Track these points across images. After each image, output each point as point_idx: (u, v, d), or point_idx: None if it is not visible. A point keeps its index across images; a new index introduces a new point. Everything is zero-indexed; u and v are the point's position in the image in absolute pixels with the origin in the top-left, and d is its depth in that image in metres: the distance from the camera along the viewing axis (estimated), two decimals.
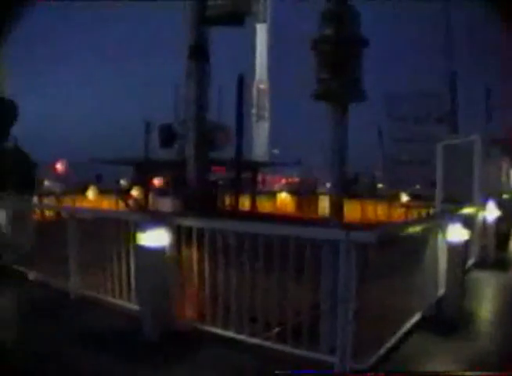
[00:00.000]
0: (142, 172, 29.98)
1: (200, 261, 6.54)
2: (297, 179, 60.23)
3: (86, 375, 5.42)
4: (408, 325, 6.76)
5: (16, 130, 24.01)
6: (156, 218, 6.38)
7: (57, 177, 39.62)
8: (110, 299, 7.68)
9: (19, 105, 24.18)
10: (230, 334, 6.23)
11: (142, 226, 6.28)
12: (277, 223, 6.99)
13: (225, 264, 6.34)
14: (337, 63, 6.21)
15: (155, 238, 6.22)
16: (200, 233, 6.47)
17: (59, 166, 40.29)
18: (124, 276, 7.39)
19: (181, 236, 6.60)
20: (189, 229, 6.56)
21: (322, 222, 7.96)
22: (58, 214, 13.74)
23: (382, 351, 5.74)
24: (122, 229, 7.24)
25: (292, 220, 21.91)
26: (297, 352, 5.64)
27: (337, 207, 6.58)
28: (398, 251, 6.91)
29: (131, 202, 27.76)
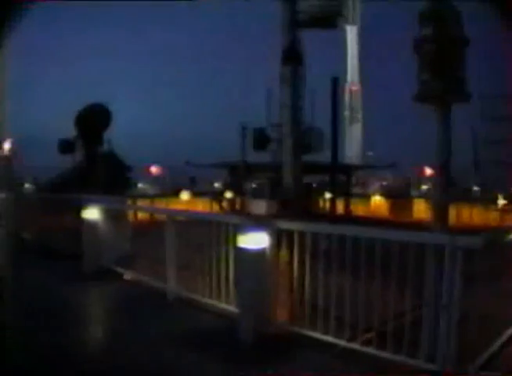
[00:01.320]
0: (237, 175, 30.17)
1: (299, 264, 6.48)
2: (391, 182, 59.25)
3: (184, 374, 5.46)
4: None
5: (110, 134, 24.78)
6: (258, 221, 6.38)
7: (151, 180, 40.52)
8: (207, 300, 7.70)
9: (113, 109, 24.95)
10: (328, 338, 6.13)
11: (243, 229, 6.30)
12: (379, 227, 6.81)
13: (324, 268, 6.26)
14: (439, 63, 6.04)
15: (256, 240, 6.22)
16: (299, 235, 6.41)
17: (154, 169, 41.15)
18: (222, 278, 7.42)
19: (280, 238, 6.57)
20: (287, 232, 6.51)
21: (424, 226, 7.75)
22: (152, 216, 14.05)
23: (481, 359, 5.52)
24: (221, 232, 7.28)
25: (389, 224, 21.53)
26: (397, 358, 5.49)
27: (441, 212, 6.38)
28: (498, 257, 6.63)
29: (225, 204, 28.05)
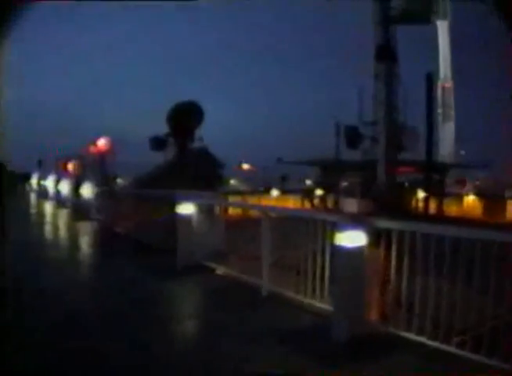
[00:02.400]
0: (329, 173, 30.08)
1: (396, 263, 6.37)
2: (484, 182, 57.61)
3: (273, 373, 5.45)
4: None
5: (203, 132, 25.16)
6: (355, 219, 6.31)
7: (243, 177, 40.92)
8: (301, 298, 7.64)
9: (206, 107, 25.34)
10: (422, 339, 5.99)
11: (341, 227, 6.24)
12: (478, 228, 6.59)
13: (422, 269, 6.12)
14: None
15: (353, 239, 6.15)
16: (396, 234, 6.29)
17: (246, 166, 41.51)
18: (317, 276, 7.37)
19: (377, 237, 6.47)
20: (384, 230, 6.41)
21: None
22: (243, 212, 14.11)
23: None
24: (317, 229, 7.24)
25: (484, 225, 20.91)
26: (492, 362, 5.30)
27: None
28: None
29: (316, 202, 28.00)
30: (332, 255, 6.88)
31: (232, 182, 37.30)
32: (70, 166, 30.49)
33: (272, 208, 11.79)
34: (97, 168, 25.00)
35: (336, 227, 6.37)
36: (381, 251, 6.46)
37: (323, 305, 7.18)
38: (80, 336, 6.33)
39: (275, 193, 30.61)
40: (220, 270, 9.96)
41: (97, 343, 6.10)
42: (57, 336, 6.36)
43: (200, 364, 5.52)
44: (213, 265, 10.18)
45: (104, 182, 23.64)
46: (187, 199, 10.67)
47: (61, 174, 32.54)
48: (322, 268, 7.23)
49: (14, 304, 7.45)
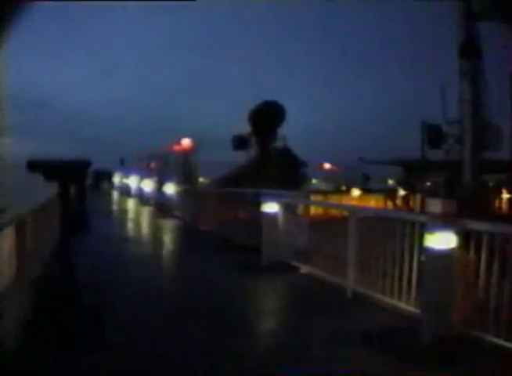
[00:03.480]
0: (413, 173, 29.62)
1: (485, 266, 6.25)
2: None
3: (356, 373, 5.43)
4: None
5: (285, 131, 25.25)
6: (446, 221, 6.24)
7: (325, 176, 40.81)
8: (386, 299, 7.56)
9: (287, 107, 25.42)
10: (509, 345, 5.86)
11: (431, 228, 6.18)
12: None
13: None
14: None
15: (443, 240, 6.07)
16: (486, 237, 6.18)
17: (327, 165, 41.35)
18: (404, 277, 7.30)
19: (466, 239, 6.37)
20: (474, 232, 6.30)
21: None
22: (325, 211, 14.09)
23: None
24: (405, 230, 7.18)
25: None
26: None
27: None
28: None
29: (398, 202, 27.65)
30: (421, 257, 6.81)
31: (314, 181, 37.26)
32: (153, 165, 31.12)
33: (360, 208, 11.73)
34: (180, 167, 25.47)
35: (425, 228, 6.31)
36: (470, 254, 6.37)
37: (409, 307, 7.12)
38: (165, 331, 6.53)
39: (356, 192, 30.38)
40: (304, 269, 9.99)
41: (177, 338, 6.29)
42: (144, 329, 6.61)
43: (283, 362, 5.57)
44: (297, 263, 10.21)
45: (187, 180, 24.07)
46: (272, 198, 10.76)
47: (143, 172, 33.25)
48: (410, 269, 7.16)
49: (102, 299, 7.68)
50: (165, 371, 5.30)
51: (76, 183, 7.69)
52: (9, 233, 6.00)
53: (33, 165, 7.19)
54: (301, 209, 11.30)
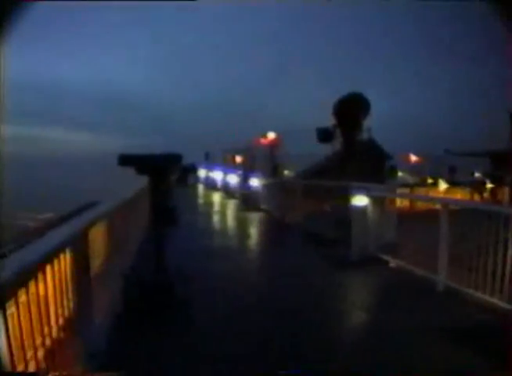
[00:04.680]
0: (502, 165, 28.74)
1: None
2: None
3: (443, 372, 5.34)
4: None
5: (369, 122, 25.04)
6: None
7: (410, 168, 40.17)
8: (478, 294, 7.38)
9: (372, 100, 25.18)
10: None
11: None
12: None
13: None
14: None
15: None
16: None
17: (413, 157, 40.67)
18: (498, 272, 7.15)
19: None
20: None
21: None
22: (411, 204, 13.93)
23: None
24: (499, 223, 7.04)
25: None
26: None
27: None
28: None
29: (486, 194, 26.95)
30: None
31: (400, 173, 36.68)
32: (238, 158, 31.43)
33: (452, 200, 11.53)
34: (266, 160, 25.64)
35: None
36: None
37: (502, 303, 6.99)
38: (256, 324, 6.65)
39: (443, 185, 29.78)
40: (393, 263, 9.95)
41: (268, 331, 6.38)
42: (233, 322, 6.73)
43: (372, 359, 5.54)
44: (386, 257, 10.18)
45: (273, 173, 24.21)
46: (361, 190, 10.74)
47: (229, 165, 33.62)
48: (503, 264, 7.02)
49: (190, 289, 7.82)
50: (253, 361, 5.38)
51: (166, 177, 7.86)
52: (101, 225, 6.24)
53: (124, 160, 7.36)
54: (388, 202, 11.23)
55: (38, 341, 3.12)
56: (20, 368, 2.79)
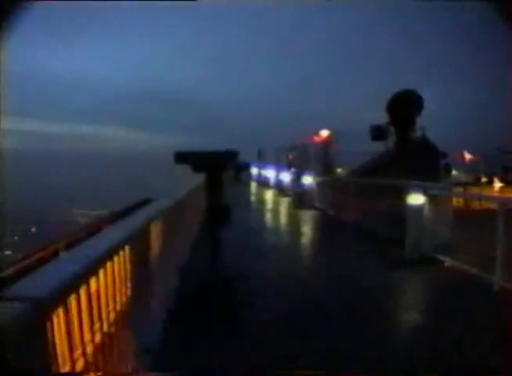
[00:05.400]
0: None
1: None
2: None
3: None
4: None
5: (423, 120, 24.75)
6: None
7: (464, 167, 39.49)
8: None
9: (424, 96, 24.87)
10: None
11: None
12: None
13: None
14: None
15: None
16: None
17: (467, 156, 39.99)
18: None
19: None
20: None
21: None
22: (465, 203, 13.80)
23: None
24: None
25: None
26: None
27: None
28: None
29: None
30: None
31: (454, 172, 36.07)
32: (291, 156, 31.46)
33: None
34: (319, 158, 25.66)
35: None
36: None
37: None
38: (311, 324, 6.71)
39: (497, 184, 29.24)
40: (448, 263, 9.92)
41: (325, 330, 6.50)
42: (287, 322, 6.81)
43: (428, 360, 5.52)
44: (441, 257, 10.15)
45: (326, 171, 24.23)
46: (417, 189, 10.70)
47: (282, 163, 33.68)
48: None
49: (244, 288, 7.88)
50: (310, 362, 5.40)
51: (223, 174, 7.98)
52: (159, 223, 6.41)
53: (181, 157, 7.47)
54: (444, 201, 11.16)
55: (93, 336, 3.20)
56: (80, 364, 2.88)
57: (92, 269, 3.20)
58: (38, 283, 2.49)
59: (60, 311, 2.48)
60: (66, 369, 2.58)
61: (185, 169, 7.59)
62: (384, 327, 6.63)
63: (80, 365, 2.82)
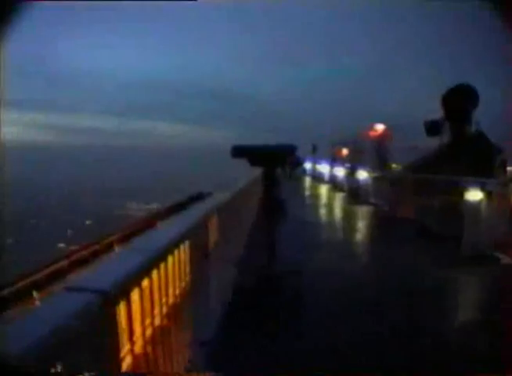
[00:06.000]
0: None
1: None
2: None
3: None
4: None
5: (478, 115, 24.27)
6: None
7: None
8: None
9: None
10: None
11: None
12: None
13: None
14: None
15: None
16: None
17: None
18: None
19: None
20: None
21: None
22: None
23: None
24: None
25: None
26: None
27: None
28: None
29: None
30: None
31: (510, 168, 35.28)
32: (345, 151, 31.31)
33: None
34: (374, 153, 25.42)
35: None
36: None
37: None
38: (364, 324, 6.54)
39: None
40: (505, 260, 9.75)
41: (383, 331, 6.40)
42: (342, 317, 6.75)
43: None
44: (498, 254, 9.99)
45: (381, 167, 24.00)
46: (475, 185, 10.52)
47: (336, 158, 33.56)
48: None
49: (300, 282, 7.99)
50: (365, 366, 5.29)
51: (280, 168, 7.99)
52: (216, 217, 6.46)
53: (238, 151, 7.49)
54: (501, 198, 10.97)
55: (152, 329, 3.24)
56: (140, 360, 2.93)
57: (154, 262, 3.26)
58: (104, 276, 2.56)
59: (124, 303, 2.54)
60: (127, 360, 2.64)
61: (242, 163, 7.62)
62: (442, 328, 6.49)
63: (139, 358, 2.87)
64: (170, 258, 3.68)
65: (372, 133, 26.04)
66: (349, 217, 19.03)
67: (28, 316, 2.03)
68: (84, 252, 21.37)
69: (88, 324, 1.98)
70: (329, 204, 24.63)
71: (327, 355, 5.38)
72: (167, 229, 4.75)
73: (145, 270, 3.02)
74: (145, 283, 2.98)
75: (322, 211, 21.37)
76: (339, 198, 26.29)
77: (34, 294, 15.71)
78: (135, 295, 2.73)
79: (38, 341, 1.58)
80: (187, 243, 4.29)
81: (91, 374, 1.82)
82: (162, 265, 3.46)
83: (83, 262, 19.80)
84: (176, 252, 3.91)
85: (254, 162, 7.65)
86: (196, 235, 4.83)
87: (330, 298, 7.62)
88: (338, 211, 21.79)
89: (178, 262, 3.96)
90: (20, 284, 16.03)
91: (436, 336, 6.06)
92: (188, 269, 4.31)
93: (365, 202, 21.69)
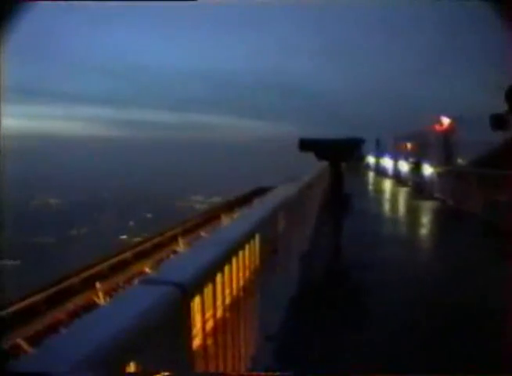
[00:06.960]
0: None
1: None
2: None
3: None
4: None
5: None
6: None
7: None
8: None
9: None
10: None
11: None
12: None
13: None
14: None
15: None
16: None
17: None
18: None
19: None
20: None
21: None
22: None
23: None
24: None
25: None
26: None
27: None
28: None
29: None
30: None
31: None
32: (410, 145, 30.95)
33: None
34: (439, 147, 25.07)
35: None
36: None
37: None
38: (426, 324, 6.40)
39: None
40: None
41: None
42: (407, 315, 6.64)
43: None
44: None
45: (447, 161, 23.66)
46: None
47: (400, 152, 33.21)
48: None
49: (366, 277, 7.95)
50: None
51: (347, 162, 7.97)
52: (283, 211, 6.50)
53: (305, 144, 7.49)
54: None
55: (223, 323, 3.22)
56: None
57: (227, 256, 3.32)
58: (180, 269, 2.62)
59: (199, 297, 2.61)
60: (199, 357, 2.70)
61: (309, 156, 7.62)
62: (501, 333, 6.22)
63: (210, 354, 2.92)
64: (241, 252, 3.73)
65: (438, 127, 25.66)
66: (413, 211, 18.85)
67: (102, 311, 2.08)
68: (148, 244, 21.91)
69: (166, 319, 2.00)
70: (393, 198, 24.45)
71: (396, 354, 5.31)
72: (238, 223, 4.82)
73: (219, 264, 3.07)
74: (218, 276, 3.03)
75: (387, 206, 21.26)
76: (403, 193, 26.05)
77: (97, 285, 16.18)
78: (208, 289, 2.78)
79: (113, 338, 1.53)
80: (257, 237, 4.34)
81: (169, 374, 1.80)
82: (234, 259, 3.52)
83: (145, 254, 20.31)
84: (247, 246, 3.96)
85: (320, 155, 7.65)
86: (265, 229, 4.87)
87: (395, 294, 7.48)
88: (402, 206, 21.63)
89: (248, 256, 4.01)
90: (83, 275, 16.55)
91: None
92: (258, 264, 4.37)
93: (430, 197, 21.42)
